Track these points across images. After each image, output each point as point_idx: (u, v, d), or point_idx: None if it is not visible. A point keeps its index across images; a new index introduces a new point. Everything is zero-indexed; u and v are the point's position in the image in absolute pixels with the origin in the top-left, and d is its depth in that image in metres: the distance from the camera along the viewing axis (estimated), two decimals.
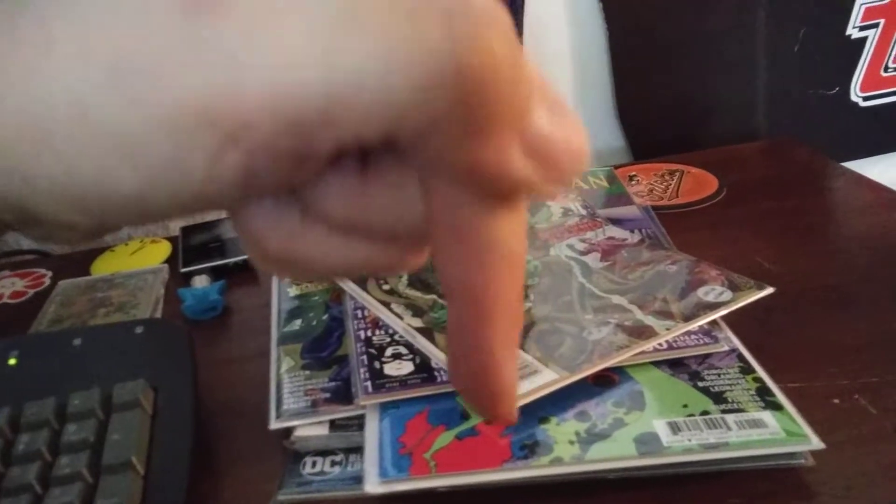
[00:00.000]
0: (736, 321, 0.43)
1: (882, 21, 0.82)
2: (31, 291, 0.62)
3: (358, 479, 0.36)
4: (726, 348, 0.41)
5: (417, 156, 0.15)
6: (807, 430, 0.35)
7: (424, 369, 0.41)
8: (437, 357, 0.41)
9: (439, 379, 0.40)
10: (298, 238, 0.17)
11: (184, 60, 0.13)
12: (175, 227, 0.70)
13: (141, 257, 0.65)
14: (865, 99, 0.85)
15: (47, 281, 0.64)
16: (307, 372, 0.43)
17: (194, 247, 0.64)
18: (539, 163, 0.15)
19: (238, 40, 0.13)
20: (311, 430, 0.39)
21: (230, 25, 0.13)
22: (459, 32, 0.13)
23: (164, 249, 0.66)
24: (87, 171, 0.13)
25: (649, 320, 0.42)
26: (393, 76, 0.13)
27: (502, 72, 0.13)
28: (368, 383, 0.40)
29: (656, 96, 0.81)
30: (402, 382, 0.40)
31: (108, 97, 0.13)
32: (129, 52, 0.13)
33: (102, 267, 0.65)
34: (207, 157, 0.13)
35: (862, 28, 0.82)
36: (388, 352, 0.42)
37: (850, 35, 0.82)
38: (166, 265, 0.63)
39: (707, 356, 0.41)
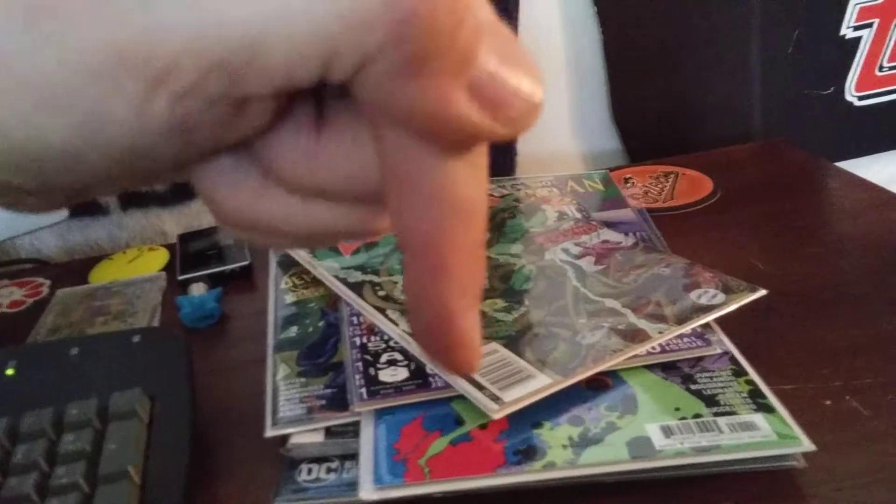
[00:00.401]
0: (729, 323, 0.44)
1: (876, 21, 0.82)
2: (30, 300, 0.63)
3: (353, 486, 0.36)
4: (719, 351, 0.41)
5: (359, 97, 0.14)
6: (798, 432, 0.35)
7: (419, 375, 0.41)
8: (430, 362, 0.41)
9: (434, 385, 0.40)
10: (258, 199, 0.17)
11: (101, 3, 0.12)
12: (173, 234, 0.71)
13: (139, 265, 0.66)
14: (860, 99, 0.85)
15: (45, 290, 0.64)
16: (303, 379, 0.43)
17: (192, 254, 0.65)
18: (487, 107, 0.14)
19: None
20: (306, 437, 0.39)
21: None
22: None
23: (162, 257, 0.67)
24: (12, 124, 0.13)
25: (642, 324, 0.42)
26: (318, 9, 0.12)
27: (439, 6, 0.13)
28: (364, 390, 0.40)
29: (651, 98, 0.82)
30: (398, 389, 0.40)
31: (25, 43, 0.12)
32: None
33: (100, 275, 0.65)
34: (133, 102, 0.13)
35: (856, 28, 0.82)
36: (384, 358, 0.43)
37: (844, 35, 0.82)
38: (164, 273, 0.63)
39: (700, 359, 0.41)
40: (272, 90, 0.14)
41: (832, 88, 0.85)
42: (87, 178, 0.14)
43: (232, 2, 0.12)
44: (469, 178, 0.16)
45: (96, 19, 0.12)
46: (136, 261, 0.67)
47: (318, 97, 0.16)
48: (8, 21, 0.13)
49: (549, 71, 0.79)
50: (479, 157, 0.16)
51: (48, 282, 0.65)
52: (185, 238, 0.68)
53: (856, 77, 0.85)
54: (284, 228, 0.17)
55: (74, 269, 0.66)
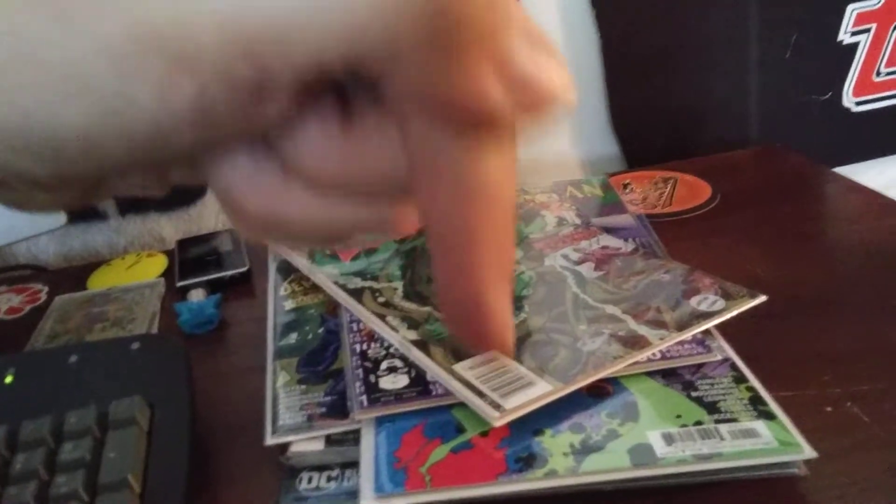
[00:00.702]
0: (729, 330, 0.44)
1: (874, 26, 0.83)
2: (28, 307, 0.63)
3: (354, 494, 0.36)
4: (719, 357, 0.41)
5: (389, 89, 0.14)
6: (799, 439, 0.35)
7: (420, 383, 0.41)
8: (433, 370, 0.41)
9: (434, 392, 0.40)
10: (278, 197, 0.17)
11: None
12: (171, 240, 0.71)
13: (137, 271, 0.66)
14: (858, 104, 0.86)
15: (43, 296, 0.64)
16: (303, 386, 0.43)
17: (190, 260, 0.64)
18: (517, 95, 0.15)
19: None
20: (307, 445, 0.39)
21: None
22: None
23: (161, 263, 0.66)
24: (31, 108, 0.13)
25: (643, 330, 0.42)
26: (362, 2, 0.12)
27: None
28: (364, 397, 0.40)
29: (649, 104, 0.82)
30: (398, 396, 0.40)
31: (54, 33, 0.12)
32: None
33: (99, 281, 0.65)
34: (156, 86, 0.13)
35: (854, 33, 0.83)
36: (384, 365, 0.42)
37: (841, 41, 0.82)
38: (162, 279, 0.63)
39: (700, 366, 0.41)
40: (297, 76, 0.14)
41: (830, 94, 0.85)
42: (103, 166, 0.14)
43: None
44: (496, 165, 0.16)
45: (123, 2, 0.12)
46: (134, 267, 0.66)
47: (345, 94, 0.16)
48: (35, 11, 0.13)
49: None
50: (506, 146, 0.16)
51: (46, 288, 0.65)
52: (184, 244, 0.68)
53: (853, 82, 0.85)
54: (304, 227, 0.17)
55: (73, 276, 0.66)
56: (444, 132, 0.15)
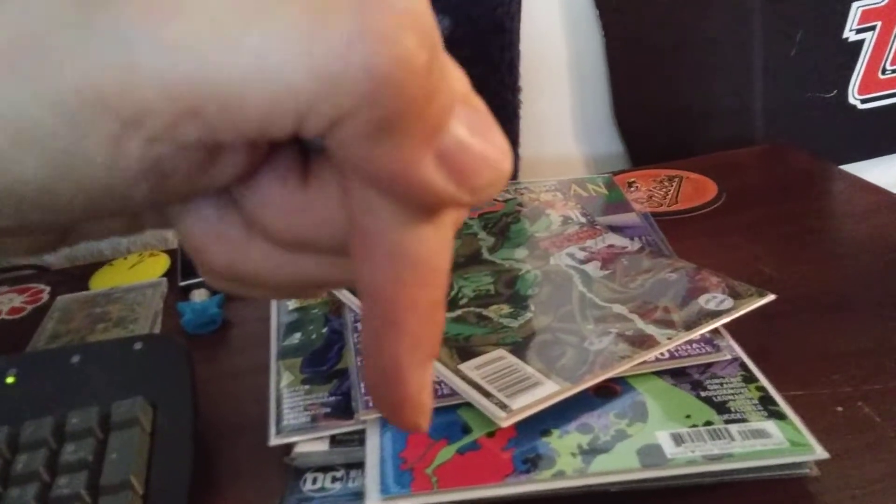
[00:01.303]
0: (736, 329, 0.43)
1: (879, 23, 0.82)
2: (30, 307, 0.62)
3: (359, 495, 0.36)
4: (728, 357, 0.41)
5: (332, 154, 0.14)
6: (811, 439, 0.35)
7: None
8: (438, 370, 0.40)
9: (440, 392, 0.40)
10: (241, 251, 0.17)
11: (78, 44, 0.13)
12: (174, 240, 0.70)
13: (140, 271, 0.65)
14: (863, 102, 0.85)
15: (45, 296, 0.64)
16: (307, 386, 0.43)
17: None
18: (454, 174, 0.15)
19: (135, 24, 0.13)
20: (311, 445, 0.39)
21: (127, 9, 0.13)
22: (369, 29, 0.13)
23: (163, 263, 0.66)
24: (7, 170, 0.13)
25: (650, 329, 0.42)
26: (295, 66, 0.13)
27: (415, 75, 0.13)
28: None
29: (654, 102, 0.81)
30: None
31: (3, 81, 0.13)
32: (21, 34, 0.13)
33: (101, 281, 0.64)
34: (106, 143, 0.13)
35: (859, 31, 0.82)
36: None
37: (847, 38, 0.82)
38: (165, 279, 0.63)
39: (709, 365, 0.41)
40: (246, 140, 0.14)
41: (835, 91, 0.84)
42: (64, 216, 0.14)
43: (210, 51, 0.13)
44: (432, 239, 0.16)
45: (74, 60, 0.13)
46: (136, 266, 0.66)
47: (305, 149, 0.16)
48: None
49: (551, 74, 0.79)
50: (445, 220, 0.16)
51: (48, 288, 0.65)
52: None
53: (858, 80, 0.84)
54: (269, 280, 0.17)
55: (75, 275, 0.66)
56: (379, 200, 0.15)
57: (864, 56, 0.83)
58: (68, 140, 0.13)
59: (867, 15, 0.81)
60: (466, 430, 0.38)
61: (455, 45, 0.68)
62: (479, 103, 0.16)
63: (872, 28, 0.82)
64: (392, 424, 0.18)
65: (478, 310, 0.46)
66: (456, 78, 0.15)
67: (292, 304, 0.52)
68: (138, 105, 0.13)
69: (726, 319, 0.42)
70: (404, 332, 0.16)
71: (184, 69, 0.13)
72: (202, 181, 0.15)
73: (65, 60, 0.13)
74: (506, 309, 0.46)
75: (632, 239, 0.54)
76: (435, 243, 0.16)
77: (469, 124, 0.15)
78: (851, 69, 0.84)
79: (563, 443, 0.36)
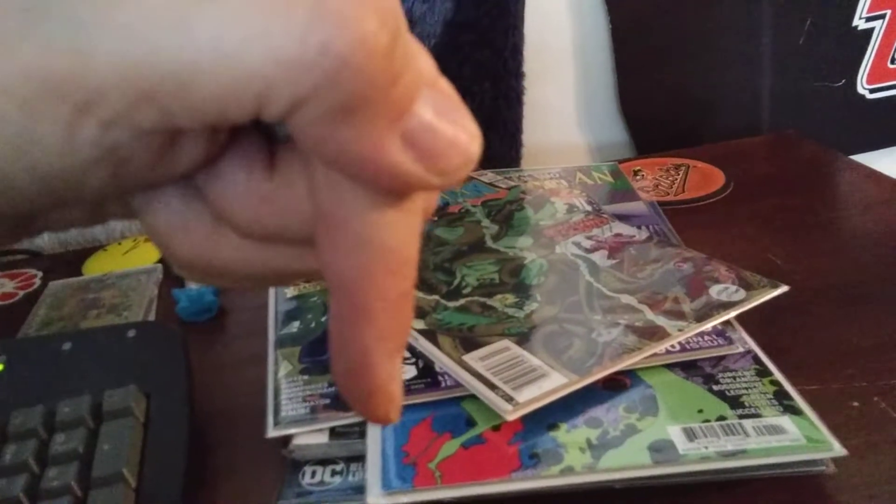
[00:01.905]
0: (746, 321, 0.42)
1: (889, 12, 0.81)
2: (21, 293, 0.61)
3: (359, 490, 0.35)
4: (741, 349, 0.40)
5: (296, 138, 0.14)
6: (828, 435, 0.34)
7: (428, 374, 0.39)
8: (441, 361, 0.39)
9: (444, 384, 0.38)
10: (212, 244, 0.16)
11: (28, 27, 0.12)
12: None
13: (134, 257, 0.64)
14: (872, 91, 0.84)
15: (37, 282, 0.62)
16: (306, 377, 0.41)
17: None
18: (422, 157, 0.14)
19: (86, 7, 0.12)
20: (310, 437, 0.37)
21: None
22: (329, 11, 0.12)
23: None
24: None
25: (660, 321, 0.41)
26: (250, 49, 0.12)
27: (376, 57, 0.13)
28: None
29: (660, 90, 0.80)
30: (406, 388, 0.38)
31: None
32: None
33: (94, 267, 0.63)
34: (59, 127, 0.13)
35: (868, 19, 0.81)
36: None
37: (856, 26, 0.81)
38: (160, 265, 0.61)
39: (721, 358, 0.40)
40: (203, 124, 0.14)
41: (843, 81, 0.83)
42: (21, 203, 0.14)
43: (162, 34, 0.12)
44: (401, 225, 0.15)
45: (23, 43, 0.12)
46: (131, 252, 0.65)
47: (271, 139, 0.16)
48: None
49: (556, 61, 0.78)
50: (413, 208, 0.16)
51: (40, 273, 0.63)
52: None
53: (867, 69, 0.83)
54: (239, 272, 0.17)
55: (68, 261, 0.64)
56: (346, 185, 0.15)
57: (874, 45, 0.82)
58: (20, 125, 0.13)
59: (877, 3, 0.80)
60: (471, 423, 0.36)
61: (459, 29, 0.67)
62: (446, 86, 0.15)
63: (882, 16, 0.81)
64: (362, 416, 0.18)
65: (482, 299, 0.44)
66: (423, 60, 0.15)
67: (290, 291, 0.51)
68: (90, 90, 0.13)
69: (738, 311, 0.41)
70: (373, 322, 0.16)
71: (135, 54, 0.12)
72: (163, 168, 0.15)
73: (14, 45, 0.12)
74: (511, 298, 0.44)
75: (639, 228, 0.53)
76: (403, 231, 0.16)
77: (436, 107, 0.15)
78: (860, 58, 0.82)
79: (572, 437, 0.35)
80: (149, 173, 0.15)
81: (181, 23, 0.12)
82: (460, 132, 0.15)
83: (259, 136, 0.16)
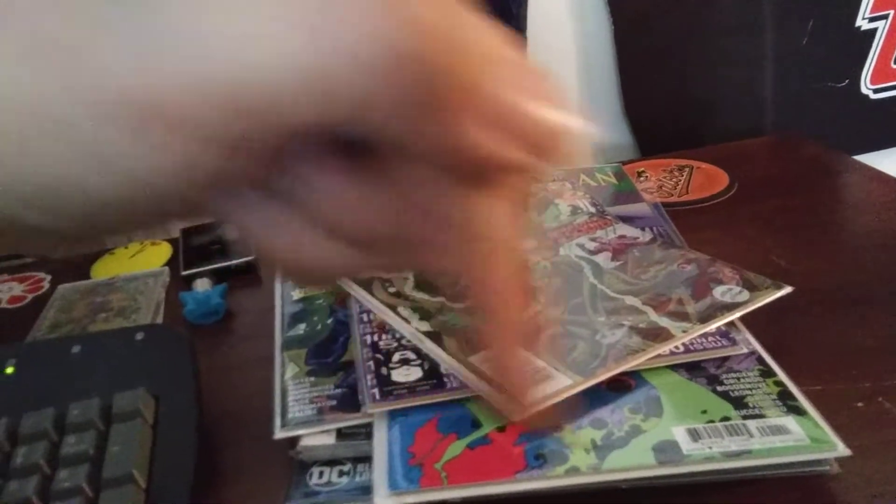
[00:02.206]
0: (750, 322, 0.42)
1: (892, 12, 0.81)
2: (30, 296, 0.61)
3: (366, 490, 0.35)
4: (745, 350, 0.40)
5: (381, 142, 0.15)
6: (832, 436, 0.34)
7: (433, 375, 0.39)
8: (446, 362, 0.40)
9: (449, 385, 0.39)
10: (301, 242, 0.17)
11: (107, 41, 0.13)
12: (176, 228, 0.69)
13: (141, 260, 0.64)
14: (875, 91, 0.84)
15: (46, 285, 0.63)
16: (312, 378, 0.42)
17: (195, 249, 0.63)
18: (510, 137, 0.15)
19: (187, 25, 0.13)
20: (317, 439, 0.38)
21: (174, 8, 0.13)
22: (396, 19, 0.13)
23: (165, 252, 0.65)
24: (10, 152, 0.13)
25: (664, 322, 0.41)
26: (326, 60, 0.13)
27: (442, 50, 0.13)
28: (376, 390, 0.38)
29: (663, 91, 0.80)
30: (411, 389, 0.38)
31: (41, 82, 0.13)
32: (54, 34, 0.13)
33: (102, 270, 0.63)
34: (133, 137, 0.13)
35: (871, 19, 0.81)
36: (396, 357, 0.41)
37: (859, 27, 0.81)
38: (167, 268, 0.62)
39: (725, 359, 0.40)
40: (292, 135, 0.14)
41: (847, 81, 0.83)
42: (95, 208, 0.15)
43: (242, 49, 0.13)
44: (496, 212, 0.16)
45: (102, 57, 0.13)
46: (138, 255, 0.65)
47: (361, 145, 0.16)
48: (11, 56, 0.13)
49: (559, 63, 0.78)
50: (508, 192, 0.16)
51: (49, 277, 0.64)
52: (188, 232, 0.66)
53: (871, 69, 0.83)
54: (329, 269, 0.18)
55: (76, 264, 0.65)
56: (440, 180, 0.15)
57: (877, 45, 0.82)
58: (94, 133, 0.13)
59: (880, 3, 0.80)
60: (476, 424, 0.37)
61: None
62: (526, 62, 0.16)
63: (885, 16, 0.81)
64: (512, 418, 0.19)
65: None
66: (493, 40, 0.15)
67: (297, 293, 0.51)
68: (180, 107, 0.13)
69: (743, 312, 0.41)
70: (502, 313, 0.17)
71: (216, 68, 0.13)
72: (249, 177, 0.15)
73: (95, 57, 0.13)
74: None
75: (643, 229, 0.53)
76: (500, 215, 0.16)
77: (517, 84, 0.15)
78: (864, 58, 0.82)
79: (577, 438, 0.35)
80: (223, 181, 0.15)
81: (270, 41, 0.13)
82: (546, 107, 0.15)
83: (343, 143, 0.16)
